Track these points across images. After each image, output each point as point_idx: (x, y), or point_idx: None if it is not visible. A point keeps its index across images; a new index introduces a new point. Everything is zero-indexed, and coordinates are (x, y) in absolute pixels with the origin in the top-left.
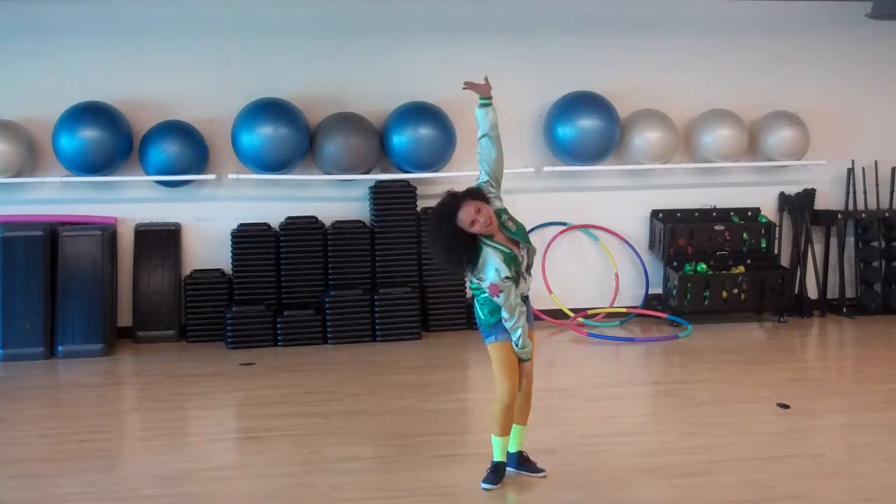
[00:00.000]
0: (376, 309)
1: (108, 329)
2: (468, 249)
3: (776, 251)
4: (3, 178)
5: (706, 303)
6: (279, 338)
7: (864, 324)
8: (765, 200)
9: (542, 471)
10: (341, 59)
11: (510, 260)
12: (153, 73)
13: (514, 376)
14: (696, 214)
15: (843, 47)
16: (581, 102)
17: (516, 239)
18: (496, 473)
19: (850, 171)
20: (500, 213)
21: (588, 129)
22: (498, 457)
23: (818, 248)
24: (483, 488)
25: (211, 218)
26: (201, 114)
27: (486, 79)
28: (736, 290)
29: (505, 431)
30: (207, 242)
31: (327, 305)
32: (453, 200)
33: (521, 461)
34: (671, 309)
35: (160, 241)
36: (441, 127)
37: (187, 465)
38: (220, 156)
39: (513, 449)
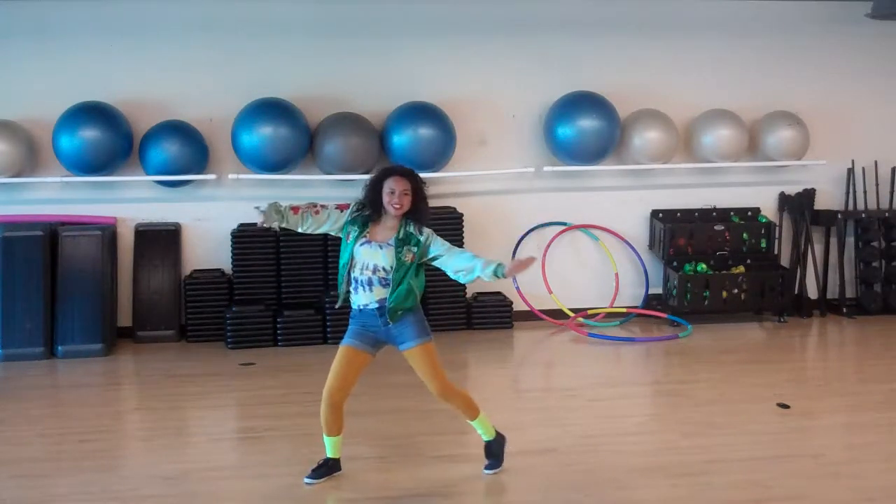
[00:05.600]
0: None
1: (108, 329)
2: (370, 203)
3: (776, 251)
4: (3, 178)
5: (706, 303)
6: (279, 338)
7: (864, 324)
8: (765, 200)
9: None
10: (341, 59)
11: (359, 227)
12: (153, 73)
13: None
14: (696, 214)
15: (843, 47)
16: (581, 102)
17: (392, 261)
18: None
19: (850, 171)
20: (413, 239)
21: (588, 129)
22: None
23: (818, 248)
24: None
25: (211, 218)
26: (201, 114)
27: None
28: (736, 290)
29: (330, 432)
30: (207, 242)
31: (327, 305)
32: (401, 169)
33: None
34: (671, 309)
35: (160, 241)
36: (441, 127)
37: (187, 465)
38: (220, 156)
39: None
